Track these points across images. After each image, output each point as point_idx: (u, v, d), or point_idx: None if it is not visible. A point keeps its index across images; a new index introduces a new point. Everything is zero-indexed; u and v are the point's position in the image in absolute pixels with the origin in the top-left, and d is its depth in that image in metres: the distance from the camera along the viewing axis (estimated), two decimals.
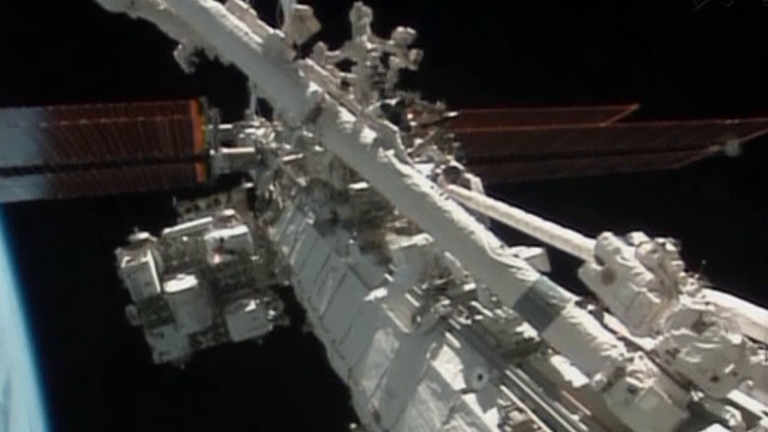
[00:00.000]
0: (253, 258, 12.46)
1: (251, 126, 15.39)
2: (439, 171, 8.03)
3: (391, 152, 5.71)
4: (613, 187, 18.55)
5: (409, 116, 9.29)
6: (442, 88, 10.76)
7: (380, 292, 6.58)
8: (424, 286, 6.29)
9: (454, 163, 8.60)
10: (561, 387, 4.67)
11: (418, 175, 5.65)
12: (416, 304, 6.20)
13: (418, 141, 9.42)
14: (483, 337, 5.40)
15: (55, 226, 22.87)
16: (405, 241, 6.75)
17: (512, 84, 20.67)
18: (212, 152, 14.18)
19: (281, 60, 6.18)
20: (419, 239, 6.60)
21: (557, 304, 4.51)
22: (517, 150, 15.81)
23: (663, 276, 4.19)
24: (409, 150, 7.86)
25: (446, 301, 6.02)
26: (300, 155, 11.02)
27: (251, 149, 14.45)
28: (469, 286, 6.16)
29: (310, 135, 8.91)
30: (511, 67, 21.93)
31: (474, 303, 5.88)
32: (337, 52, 9.70)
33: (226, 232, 12.06)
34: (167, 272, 12.16)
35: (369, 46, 9.82)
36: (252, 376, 22.22)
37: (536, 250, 5.92)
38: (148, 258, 11.59)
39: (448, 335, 5.68)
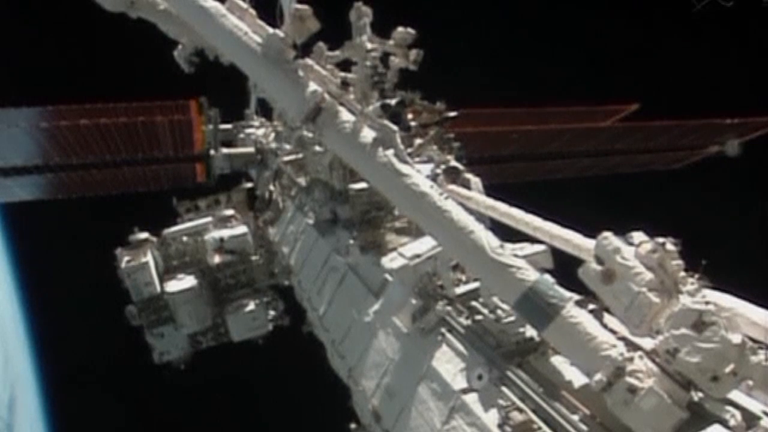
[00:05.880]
0: (253, 258, 12.45)
1: (251, 126, 15.41)
2: (439, 171, 8.03)
3: (390, 152, 5.70)
4: (613, 187, 18.57)
5: (409, 116, 9.28)
6: (442, 88, 10.77)
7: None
8: (423, 287, 6.27)
9: (454, 163, 8.61)
10: (561, 387, 4.67)
11: (418, 174, 5.64)
12: (416, 304, 6.19)
13: (418, 141, 9.42)
14: (483, 337, 5.39)
15: (55, 226, 22.87)
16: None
17: (512, 84, 20.68)
18: (212, 152, 14.22)
19: (281, 60, 6.18)
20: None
21: (557, 304, 4.50)
22: (517, 150, 15.81)
23: (663, 276, 4.18)
24: (409, 150, 7.86)
25: (446, 302, 6.01)
26: (300, 155, 11.02)
27: (251, 149, 14.48)
28: (464, 288, 6.14)
29: (310, 135, 8.93)
30: (511, 67, 21.91)
31: (474, 303, 5.87)
32: (337, 52, 9.68)
33: (226, 232, 12.05)
34: (167, 272, 12.15)
35: (369, 46, 9.81)
36: (252, 376, 22.25)
37: (540, 247, 5.88)
38: (148, 258, 11.58)
39: (448, 335, 5.67)
